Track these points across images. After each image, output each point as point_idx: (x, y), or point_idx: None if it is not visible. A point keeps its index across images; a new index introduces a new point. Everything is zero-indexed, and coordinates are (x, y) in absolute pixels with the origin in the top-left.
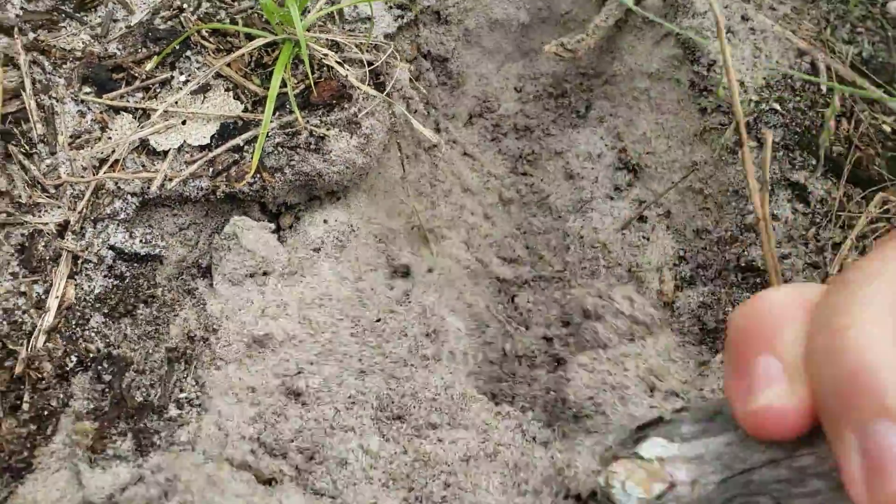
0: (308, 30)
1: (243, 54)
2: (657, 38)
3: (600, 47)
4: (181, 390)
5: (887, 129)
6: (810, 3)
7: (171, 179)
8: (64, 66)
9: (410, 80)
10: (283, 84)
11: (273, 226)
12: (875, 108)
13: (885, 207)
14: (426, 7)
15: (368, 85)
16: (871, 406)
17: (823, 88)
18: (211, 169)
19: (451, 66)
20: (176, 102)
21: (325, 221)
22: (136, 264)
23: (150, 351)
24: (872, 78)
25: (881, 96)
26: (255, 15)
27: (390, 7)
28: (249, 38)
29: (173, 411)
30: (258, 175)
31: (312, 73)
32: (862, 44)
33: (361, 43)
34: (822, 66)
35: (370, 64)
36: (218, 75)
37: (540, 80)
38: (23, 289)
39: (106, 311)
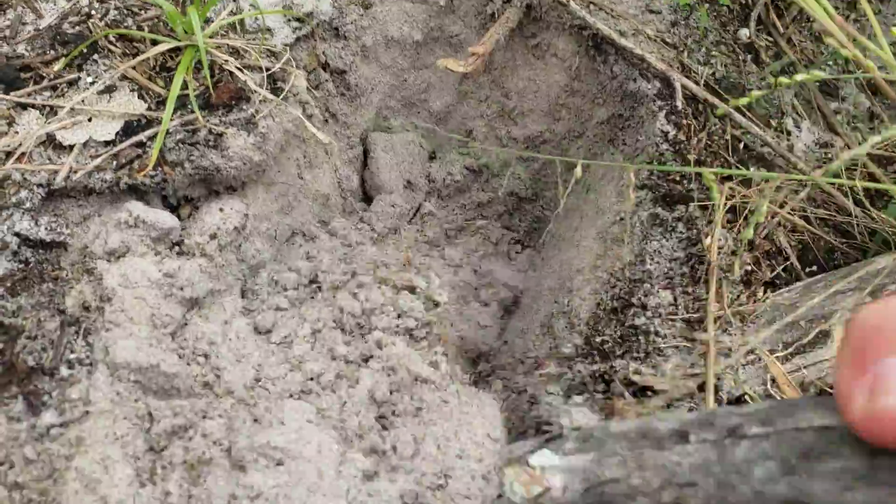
0: (210, 37)
1: (148, 58)
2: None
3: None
4: (72, 351)
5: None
6: (670, 28)
7: (76, 172)
8: None
9: (307, 86)
10: (186, 86)
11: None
12: (724, 121)
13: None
14: (323, 21)
15: (266, 89)
16: None
17: (679, 104)
18: (115, 162)
19: (349, 79)
20: (82, 101)
21: (220, 210)
22: (41, 250)
23: (44, 319)
24: (724, 95)
25: (728, 110)
26: (161, 23)
27: (288, 20)
28: (155, 43)
29: (64, 372)
30: (159, 168)
31: (213, 76)
32: (715, 66)
33: (260, 50)
34: (677, 85)
35: (268, 70)
36: (124, 77)
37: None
38: None
39: (7, 286)
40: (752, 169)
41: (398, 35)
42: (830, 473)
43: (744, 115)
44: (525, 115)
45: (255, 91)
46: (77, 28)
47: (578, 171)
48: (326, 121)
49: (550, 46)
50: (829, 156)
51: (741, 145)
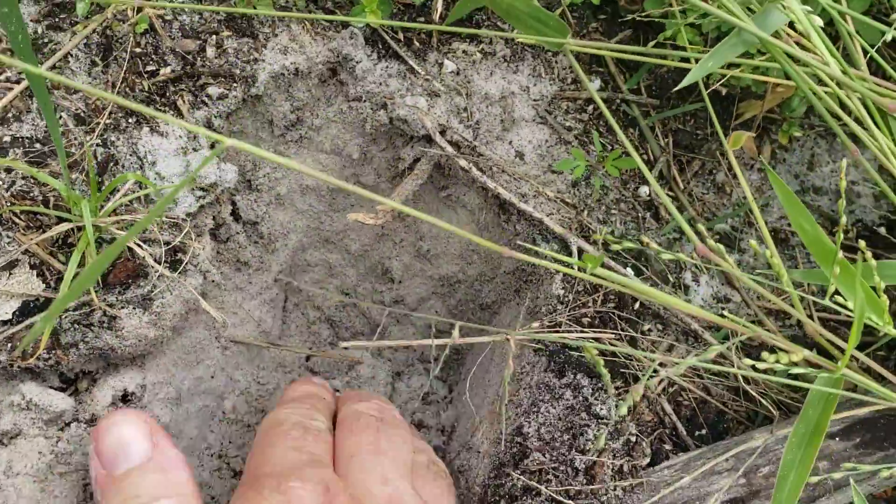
0: (113, 211)
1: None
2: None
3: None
4: None
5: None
6: (571, 188)
7: None
8: None
9: (212, 251)
10: (84, 261)
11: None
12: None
13: None
14: (227, 189)
15: (166, 264)
16: None
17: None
18: (9, 345)
19: (262, 228)
20: None
21: (113, 388)
22: None
23: None
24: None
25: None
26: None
27: (193, 189)
28: (59, 220)
29: None
30: (53, 351)
31: None
32: (615, 223)
33: (162, 222)
34: (574, 248)
35: (167, 243)
36: (25, 251)
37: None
38: None
39: None
40: (647, 327)
41: (314, 183)
42: None
43: (641, 272)
44: (439, 256)
45: (153, 267)
46: None
47: (455, 334)
48: (238, 269)
49: (460, 199)
50: (726, 310)
51: (636, 304)
